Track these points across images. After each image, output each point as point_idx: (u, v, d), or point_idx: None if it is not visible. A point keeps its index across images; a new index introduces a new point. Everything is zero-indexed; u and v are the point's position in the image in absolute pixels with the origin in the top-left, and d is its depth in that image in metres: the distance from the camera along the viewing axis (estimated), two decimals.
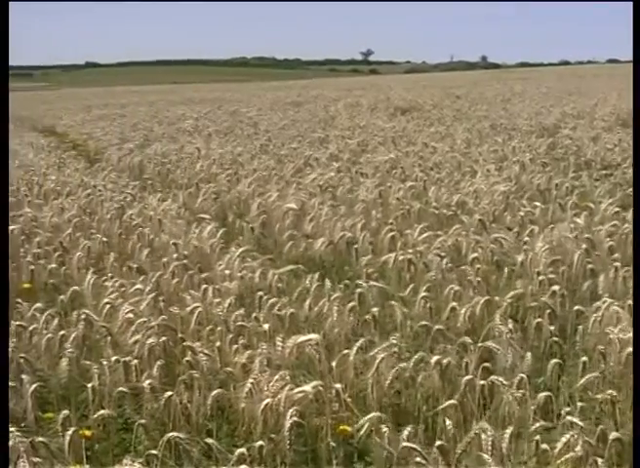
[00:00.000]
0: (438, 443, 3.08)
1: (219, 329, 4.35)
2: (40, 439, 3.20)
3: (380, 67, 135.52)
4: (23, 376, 3.85)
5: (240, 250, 5.73)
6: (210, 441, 3.30)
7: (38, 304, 4.86)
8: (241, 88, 49.55)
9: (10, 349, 4.19)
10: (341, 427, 3.60)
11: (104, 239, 6.53)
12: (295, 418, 3.34)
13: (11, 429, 3.06)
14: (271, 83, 57.68)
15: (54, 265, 5.85)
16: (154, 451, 3.14)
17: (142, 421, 3.58)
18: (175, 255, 5.84)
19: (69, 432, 3.30)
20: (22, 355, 4.11)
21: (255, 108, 24.10)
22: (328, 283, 5.05)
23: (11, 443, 2.99)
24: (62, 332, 4.37)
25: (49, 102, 37.12)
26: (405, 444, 3.06)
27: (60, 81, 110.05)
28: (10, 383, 3.79)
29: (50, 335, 4.37)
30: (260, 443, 3.29)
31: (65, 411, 3.51)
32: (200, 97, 35.66)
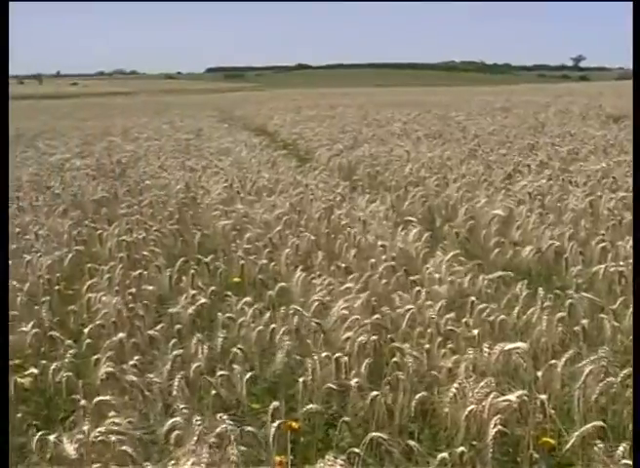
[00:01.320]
0: None
1: (428, 331, 4.37)
2: (249, 428, 3.29)
3: (591, 74, 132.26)
4: (235, 366, 3.98)
5: (450, 254, 5.73)
6: (411, 443, 3.29)
7: (247, 298, 5.01)
8: (449, 92, 49.37)
9: (220, 340, 4.35)
10: (544, 439, 3.53)
11: (313, 237, 6.66)
12: (499, 427, 3.30)
13: (223, 417, 3.15)
14: (480, 87, 57.18)
15: (264, 261, 6.00)
16: (356, 450, 3.16)
17: (347, 419, 3.63)
18: (383, 257, 5.89)
19: (276, 423, 3.36)
20: (239, 346, 4.25)
21: (463, 113, 23.95)
22: (538, 291, 4.96)
23: (221, 429, 3.08)
24: (273, 326, 4.48)
25: (260, 103, 38.02)
26: (624, 461, 2.97)
27: (271, 82, 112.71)
28: (222, 372, 3.93)
29: (261, 328, 4.50)
30: (462, 449, 3.26)
31: (275, 403, 3.58)
32: (408, 100, 35.73)
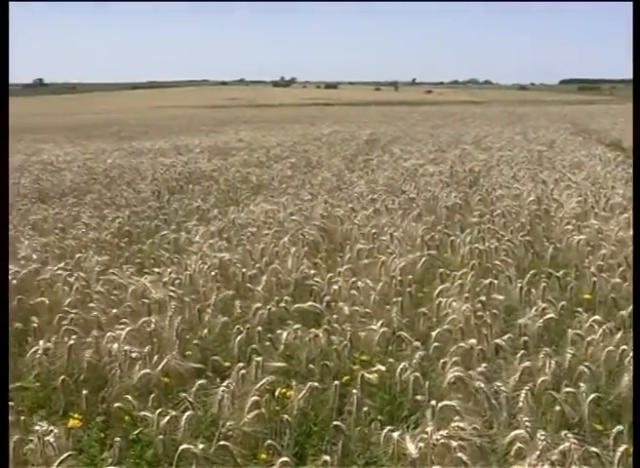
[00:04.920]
0: None
1: None
2: (594, 449, 3.22)
3: None
4: (581, 385, 3.92)
5: None
6: None
7: (597, 316, 4.93)
8: None
9: (568, 356, 4.28)
10: None
11: None
12: None
13: (568, 435, 3.11)
14: None
15: (617, 280, 5.86)
16: None
17: None
18: None
19: (622, 448, 3.26)
20: (586, 364, 4.18)
21: None
22: None
23: (563, 447, 3.04)
24: (624, 348, 4.35)
25: (616, 116, 36.99)
26: None
27: (628, 95, 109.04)
28: (568, 389, 3.87)
29: (610, 348, 4.39)
30: None
31: (619, 426, 3.49)
32: None
